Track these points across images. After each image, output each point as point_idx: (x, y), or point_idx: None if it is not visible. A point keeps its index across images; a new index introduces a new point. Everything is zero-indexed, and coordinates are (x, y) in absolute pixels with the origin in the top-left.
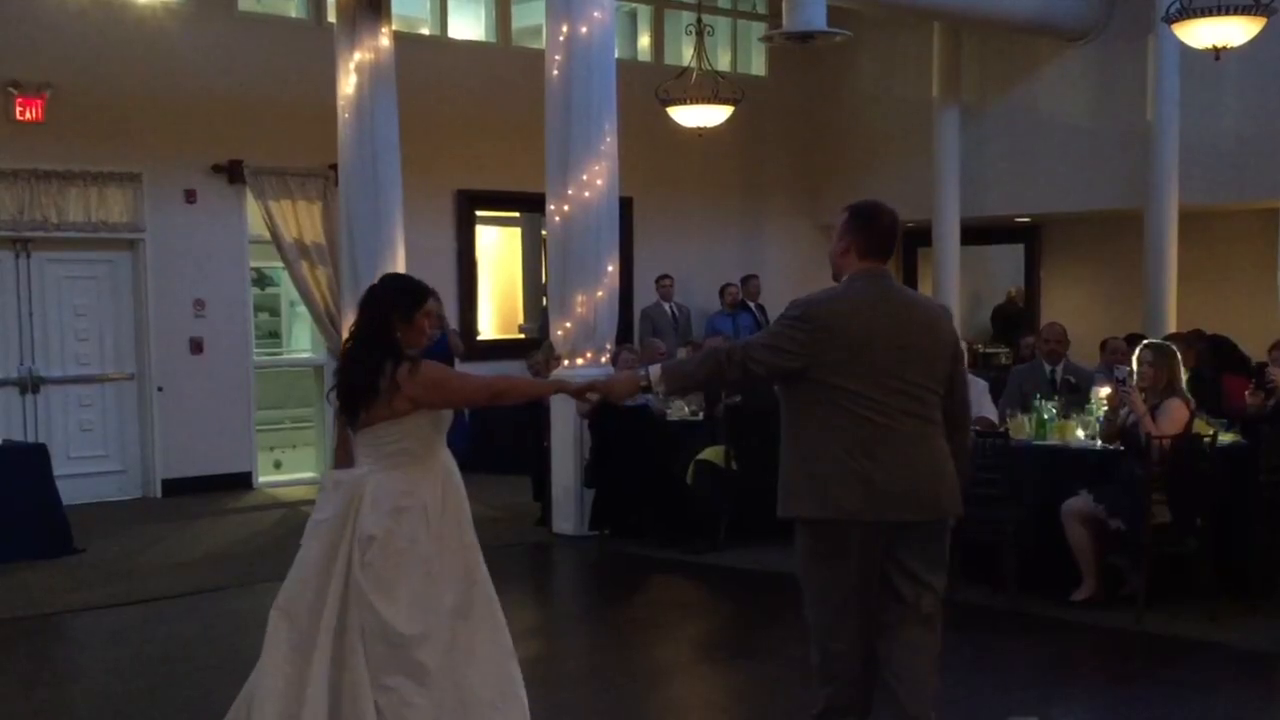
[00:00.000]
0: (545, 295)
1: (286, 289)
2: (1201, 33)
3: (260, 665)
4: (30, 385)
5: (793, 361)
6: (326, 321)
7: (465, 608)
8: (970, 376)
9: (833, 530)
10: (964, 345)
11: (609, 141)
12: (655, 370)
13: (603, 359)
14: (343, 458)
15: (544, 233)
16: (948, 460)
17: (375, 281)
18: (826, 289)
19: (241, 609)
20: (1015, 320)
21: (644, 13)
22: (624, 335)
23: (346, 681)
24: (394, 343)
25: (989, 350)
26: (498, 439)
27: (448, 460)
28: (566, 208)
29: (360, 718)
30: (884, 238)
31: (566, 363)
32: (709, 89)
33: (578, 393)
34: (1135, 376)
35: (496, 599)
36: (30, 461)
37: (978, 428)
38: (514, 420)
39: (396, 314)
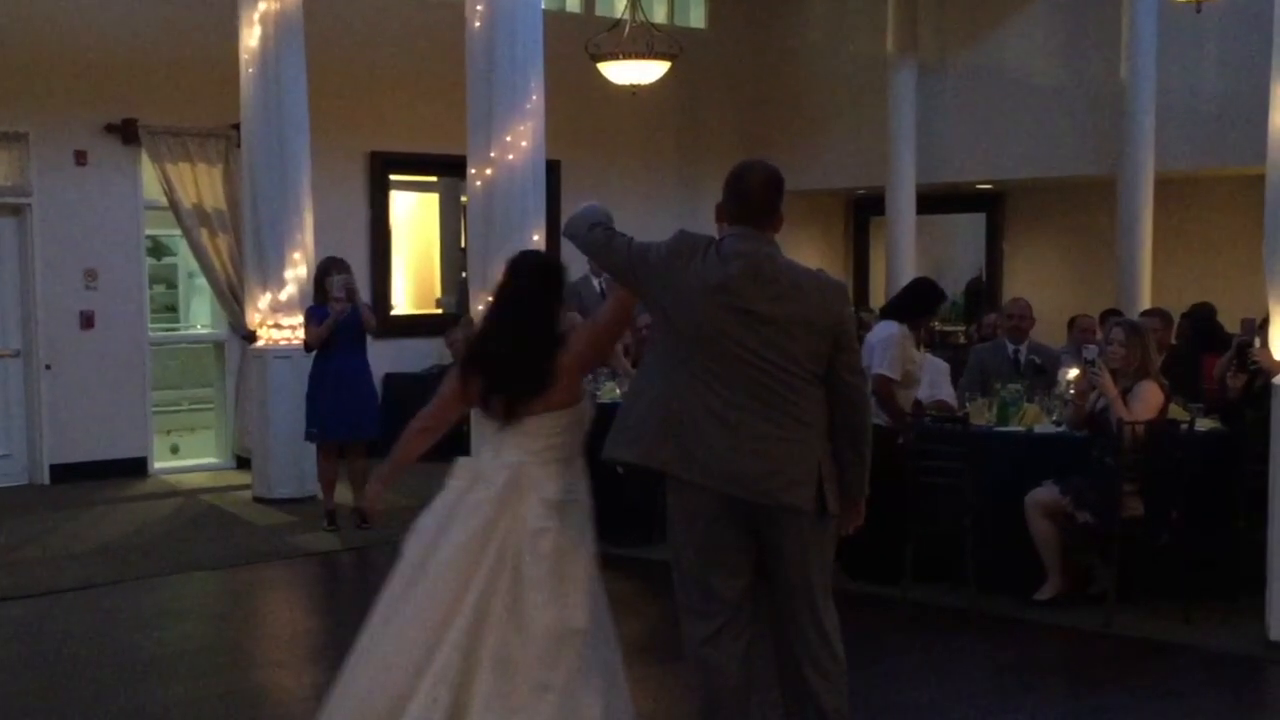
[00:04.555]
0: (465, 266)
1: (185, 259)
2: None
3: (367, 656)
4: None
5: (641, 263)
6: (228, 294)
7: (593, 636)
8: (929, 357)
9: (681, 493)
10: (856, 329)
11: (535, 100)
12: None
13: None
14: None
15: (464, 198)
16: (800, 446)
17: (516, 259)
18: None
19: (138, 604)
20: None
21: None
22: None
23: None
24: (559, 330)
25: (946, 329)
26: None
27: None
28: (489, 171)
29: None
30: (748, 201)
31: None
32: (643, 43)
33: None
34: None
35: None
36: None
37: (933, 411)
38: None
39: (556, 299)
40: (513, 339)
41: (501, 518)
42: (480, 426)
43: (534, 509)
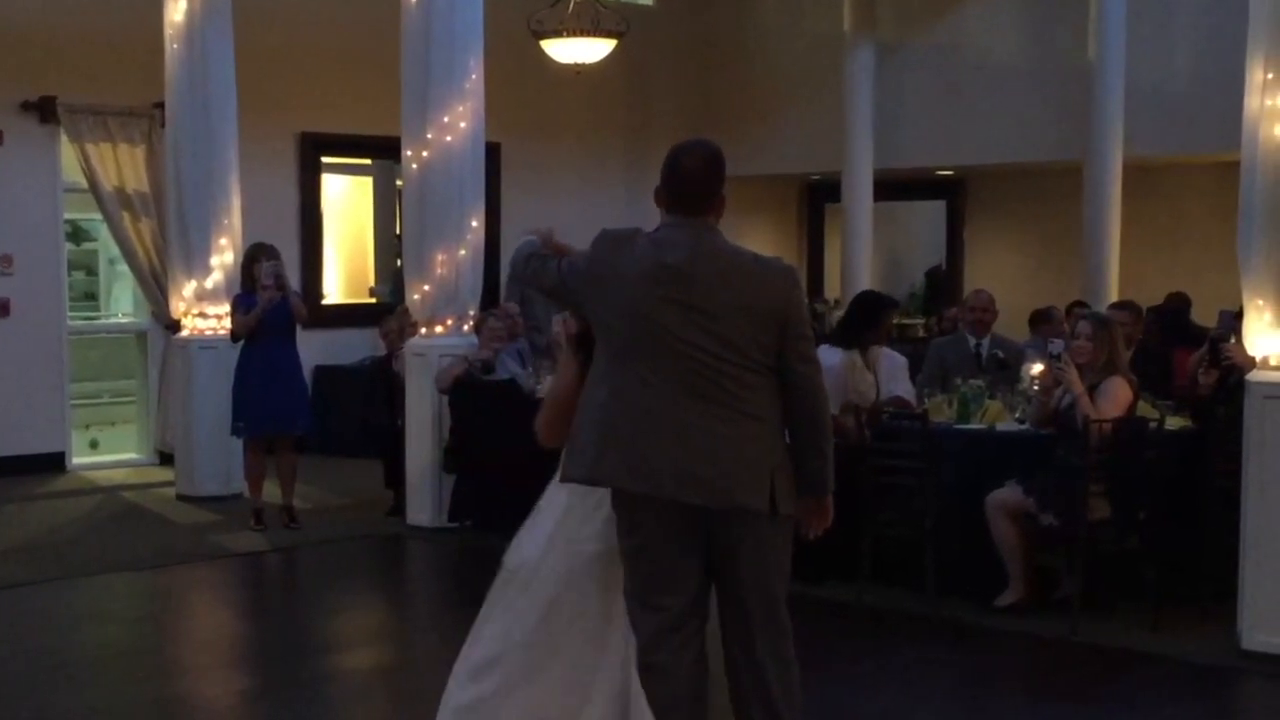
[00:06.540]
0: (400, 254)
1: (106, 244)
2: None
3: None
4: None
5: (571, 274)
6: (151, 281)
7: None
8: (886, 351)
9: (624, 502)
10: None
11: (474, 79)
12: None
13: (465, 326)
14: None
15: (399, 182)
16: (751, 444)
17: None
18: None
19: (54, 606)
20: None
21: None
22: (490, 299)
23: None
24: None
25: (905, 321)
26: (343, 417)
27: None
28: (425, 154)
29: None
30: (685, 184)
31: (424, 330)
32: (588, 20)
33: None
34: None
35: None
36: None
37: (890, 408)
38: (362, 396)
39: None
40: None
41: None
42: None
43: None
